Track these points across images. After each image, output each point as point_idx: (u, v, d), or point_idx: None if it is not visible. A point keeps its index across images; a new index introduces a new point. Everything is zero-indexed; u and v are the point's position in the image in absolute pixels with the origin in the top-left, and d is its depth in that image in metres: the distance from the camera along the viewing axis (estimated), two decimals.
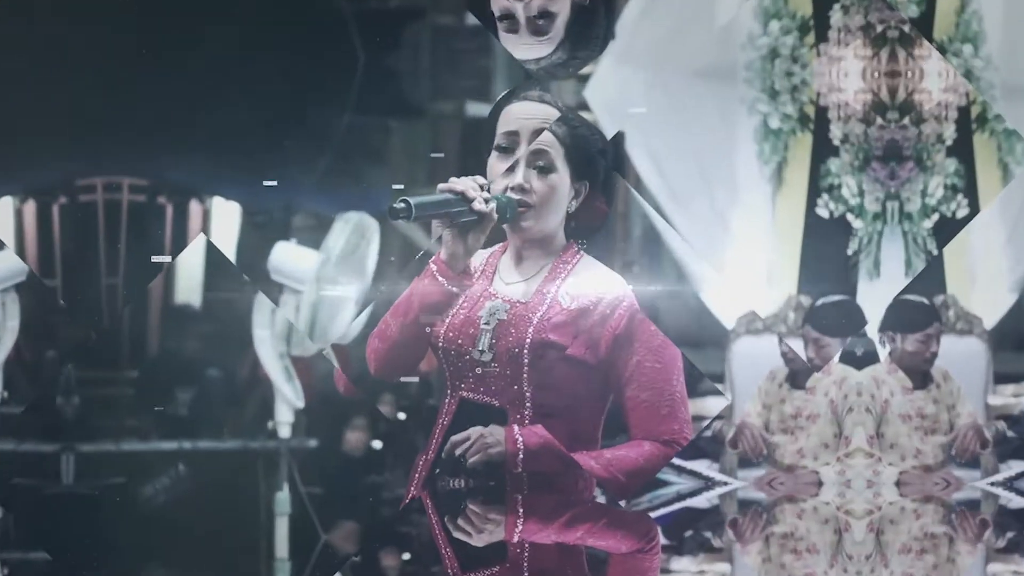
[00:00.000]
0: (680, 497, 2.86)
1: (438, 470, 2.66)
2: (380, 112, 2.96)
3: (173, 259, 2.94)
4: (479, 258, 2.66)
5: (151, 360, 3.03)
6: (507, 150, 2.59)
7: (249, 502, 2.98)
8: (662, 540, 2.79)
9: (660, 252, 2.93)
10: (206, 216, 3.00)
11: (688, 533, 2.89)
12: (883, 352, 2.89)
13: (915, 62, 2.89)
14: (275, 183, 2.85)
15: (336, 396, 2.95)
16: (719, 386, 2.96)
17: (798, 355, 2.88)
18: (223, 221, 3.01)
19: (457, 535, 2.65)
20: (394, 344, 2.66)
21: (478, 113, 2.89)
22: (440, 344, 2.65)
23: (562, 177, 2.59)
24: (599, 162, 2.64)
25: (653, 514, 2.80)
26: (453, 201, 2.57)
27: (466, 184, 2.57)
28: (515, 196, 2.57)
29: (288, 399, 3.02)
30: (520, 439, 2.61)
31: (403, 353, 2.67)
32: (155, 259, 2.94)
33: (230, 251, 2.99)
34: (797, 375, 2.91)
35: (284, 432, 3.03)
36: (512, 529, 2.63)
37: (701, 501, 2.86)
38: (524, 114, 2.61)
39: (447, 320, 2.63)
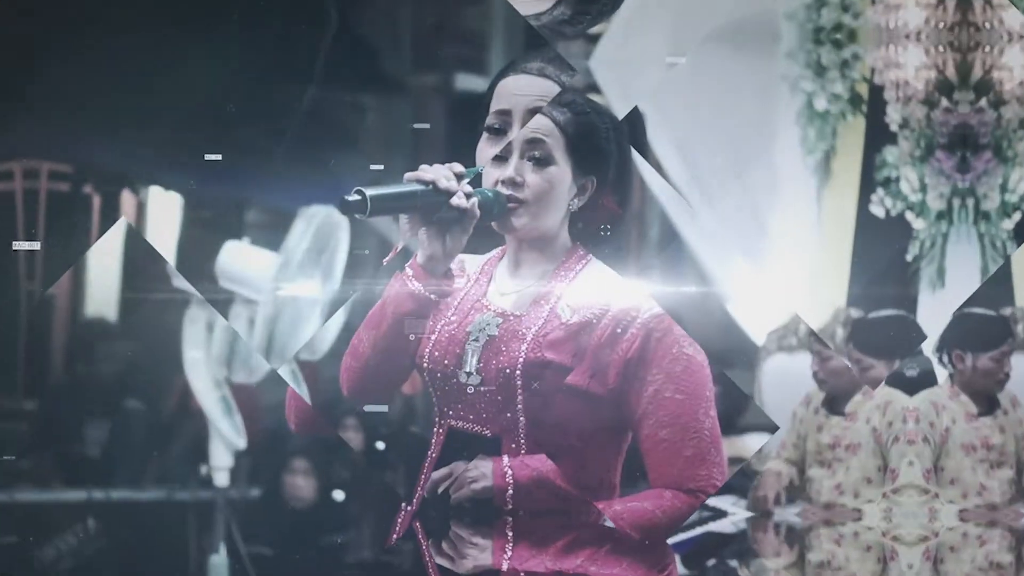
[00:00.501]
0: (701, 521, 2.70)
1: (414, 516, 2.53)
2: (352, 85, 2.75)
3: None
4: (475, 264, 2.51)
5: (53, 388, 2.77)
6: (498, 131, 2.43)
7: (177, 566, 2.73)
8: (680, 569, 2.63)
9: (680, 256, 2.77)
10: (140, 209, 2.77)
11: (711, 562, 2.74)
12: (941, 374, 2.74)
13: (993, 12, 2.73)
14: (219, 157, 2.62)
15: (288, 434, 2.71)
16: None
17: (839, 371, 2.72)
18: (161, 215, 2.77)
19: (440, 561, 2.51)
20: (367, 362, 2.48)
21: (470, 87, 2.72)
22: (425, 364, 2.48)
23: (561, 171, 2.43)
24: (609, 155, 2.47)
25: (669, 539, 2.57)
26: (422, 194, 2.40)
27: (437, 173, 2.41)
28: (505, 190, 2.42)
29: (226, 438, 2.77)
30: (510, 472, 2.46)
31: (379, 373, 2.49)
32: (17, 246, 2.68)
33: (168, 251, 2.75)
34: (834, 399, 2.74)
35: (221, 479, 2.76)
36: (500, 555, 2.48)
37: (725, 525, 2.68)
38: (519, 90, 2.44)
39: (433, 336, 2.47)
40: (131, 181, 2.76)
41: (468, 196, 2.39)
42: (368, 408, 2.59)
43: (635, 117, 2.65)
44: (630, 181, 2.52)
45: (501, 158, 2.41)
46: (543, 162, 2.42)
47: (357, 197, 2.35)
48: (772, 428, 2.75)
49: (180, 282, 2.73)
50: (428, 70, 2.76)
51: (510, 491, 2.45)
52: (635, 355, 2.47)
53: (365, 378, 2.50)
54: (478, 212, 2.39)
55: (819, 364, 2.75)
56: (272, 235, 2.73)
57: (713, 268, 2.78)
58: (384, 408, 2.59)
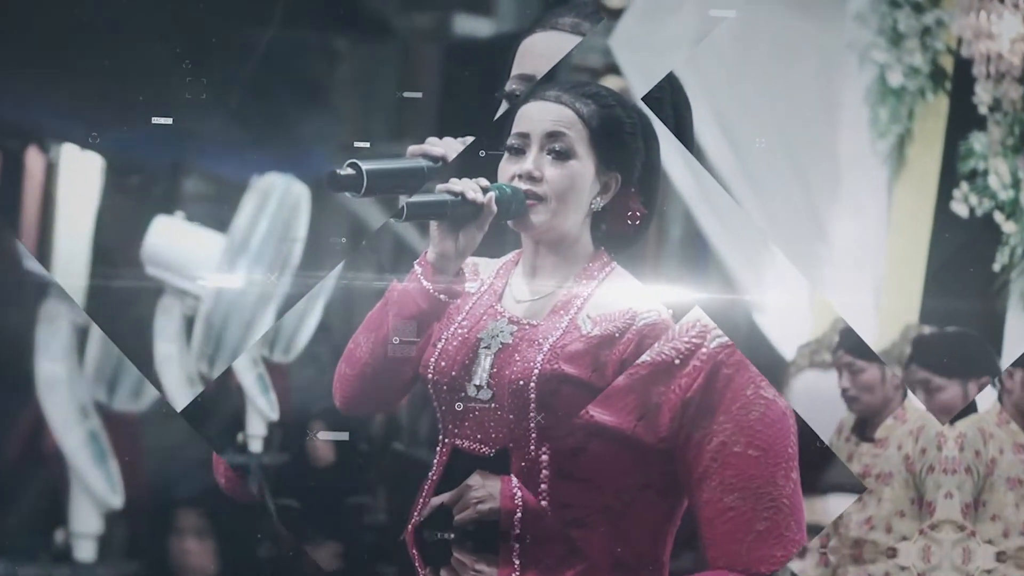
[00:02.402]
0: None
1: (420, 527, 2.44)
2: (322, 28, 2.60)
3: None
4: (489, 268, 2.50)
5: None
6: (518, 151, 2.44)
7: None
8: None
9: (704, 255, 2.60)
10: (51, 171, 2.53)
11: None
12: (985, 399, 2.60)
13: None
14: (168, 120, 2.44)
15: (182, 481, 2.36)
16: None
17: (873, 386, 2.59)
18: (75, 180, 2.52)
19: None
20: (364, 370, 2.42)
21: (471, 32, 2.59)
22: (430, 375, 2.43)
23: (584, 165, 2.43)
24: (635, 151, 2.45)
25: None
26: (429, 171, 2.40)
27: (450, 148, 2.42)
28: (523, 185, 2.43)
29: (95, 492, 2.34)
30: (519, 494, 2.37)
31: (378, 383, 2.43)
32: None
33: (82, 226, 2.50)
34: (865, 422, 2.60)
35: (85, 551, 2.34)
36: None
37: None
38: (537, 115, 2.43)
39: (439, 344, 2.42)
40: (39, 136, 2.55)
41: (485, 191, 2.38)
42: (323, 436, 2.45)
43: (673, 86, 2.50)
44: (657, 180, 2.47)
45: (519, 151, 2.42)
46: (564, 155, 2.42)
47: (351, 171, 2.28)
48: (857, 488, 2.54)
49: (34, 264, 2.43)
50: (419, 9, 2.66)
51: (518, 514, 2.36)
52: (697, 395, 2.31)
53: (362, 388, 2.42)
54: (495, 208, 2.37)
55: (850, 379, 2.58)
56: (215, 210, 2.52)
57: (753, 270, 2.59)
58: (344, 436, 2.47)
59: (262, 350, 2.48)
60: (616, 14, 2.59)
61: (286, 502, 2.45)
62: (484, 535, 2.38)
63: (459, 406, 2.39)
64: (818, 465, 2.50)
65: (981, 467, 2.61)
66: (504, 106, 2.41)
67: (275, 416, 2.47)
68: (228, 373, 2.46)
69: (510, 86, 2.41)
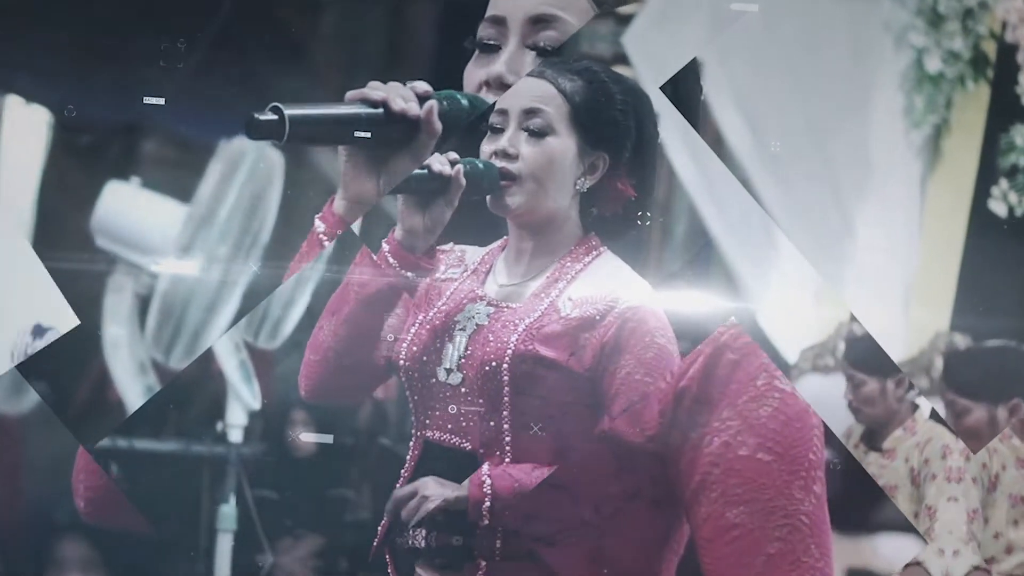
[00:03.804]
0: None
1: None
2: None
3: None
4: (475, 255, 2.45)
5: None
6: (490, 48, 2.35)
7: None
8: None
9: (710, 255, 2.49)
10: None
11: None
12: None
13: None
14: (161, 101, 2.30)
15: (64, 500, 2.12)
16: None
17: (873, 399, 2.53)
18: (19, 137, 2.38)
19: None
20: (327, 355, 2.32)
21: None
22: (402, 362, 2.33)
23: (563, 142, 2.36)
24: (625, 129, 2.37)
25: None
26: (367, 118, 2.25)
27: (391, 91, 2.24)
28: (498, 163, 2.37)
29: None
30: (488, 482, 2.24)
31: (342, 369, 2.33)
32: None
33: (22, 191, 2.34)
34: (872, 432, 2.53)
35: None
36: None
37: None
38: (518, 91, 2.38)
39: (412, 330, 2.33)
40: None
41: (453, 163, 2.31)
42: (305, 437, 2.33)
43: (689, 74, 2.39)
44: (652, 163, 2.37)
45: (498, 129, 2.35)
46: (540, 133, 2.35)
47: (272, 116, 2.12)
48: (910, 529, 2.35)
49: None
50: None
51: (487, 503, 2.24)
52: (694, 384, 2.13)
53: (326, 375, 2.30)
54: (463, 181, 2.27)
55: (852, 391, 2.52)
56: (176, 177, 2.37)
57: (757, 267, 2.48)
58: (329, 439, 2.37)
59: (245, 335, 2.31)
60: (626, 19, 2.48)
61: (265, 495, 2.30)
62: (455, 550, 2.24)
63: (431, 394, 2.27)
64: (876, 495, 2.34)
65: (985, 479, 2.56)
66: (476, 55, 2.29)
67: (257, 405, 2.32)
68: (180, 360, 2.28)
69: (480, 32, 2.31)
